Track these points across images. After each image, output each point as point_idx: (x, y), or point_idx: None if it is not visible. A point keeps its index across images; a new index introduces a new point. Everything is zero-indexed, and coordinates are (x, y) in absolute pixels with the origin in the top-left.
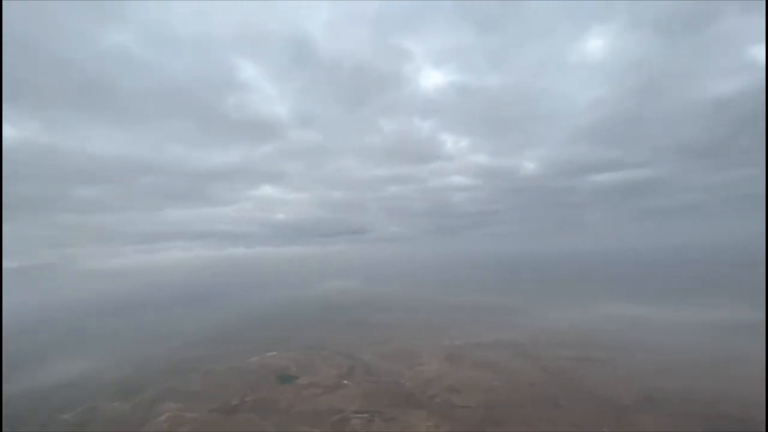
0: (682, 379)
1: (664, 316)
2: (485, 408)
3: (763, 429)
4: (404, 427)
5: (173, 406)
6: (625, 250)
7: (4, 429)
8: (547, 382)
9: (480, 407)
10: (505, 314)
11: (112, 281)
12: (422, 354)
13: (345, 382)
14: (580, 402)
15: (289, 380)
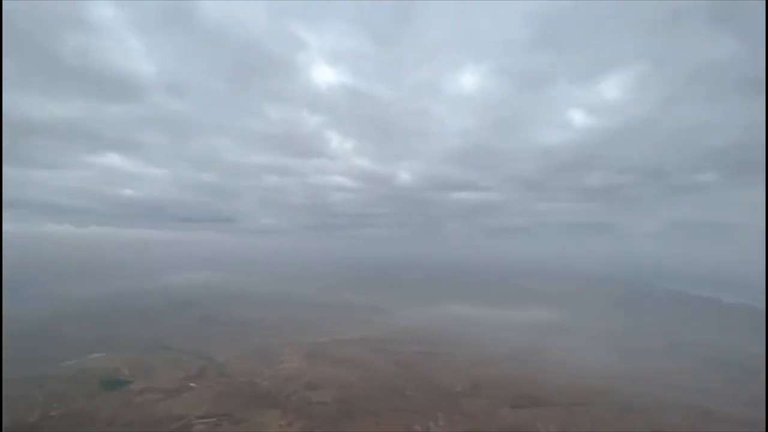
0: (500, 368)
1: (494, 316)
2: (340, 403)
3: None
4: (255, 428)
5: None
6: (472, 259)
7: None
8: (397, 375)
9: (335, 402)
10: (367, 312)
11: None
12: (283, 352)
13: (191, 384)
14: (422, 391)
15: (117, 386)
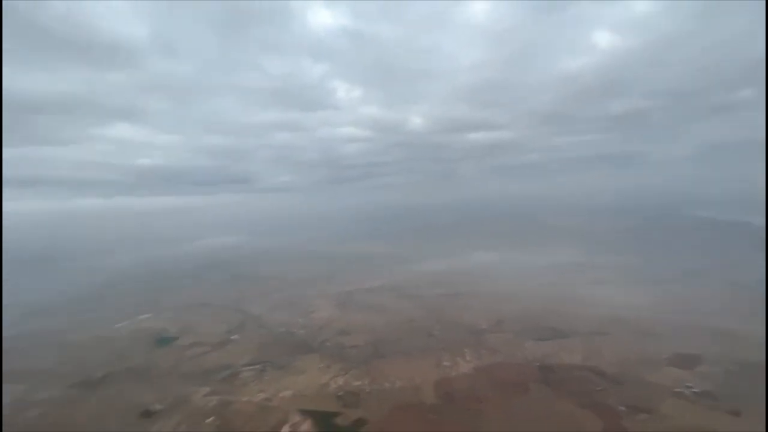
0: (522, 305)
1: (513, 256)
2: (372, 345)
3: None
4: (297, 371)
5: (14, 389)
6: (489, 201)
7: None
8: (424, 317)
9: (367, 345)
10: (389, 261)
11: None
12: (313, 303)
13: (234, 337)
14: (449, 330)
15: (167, 342)
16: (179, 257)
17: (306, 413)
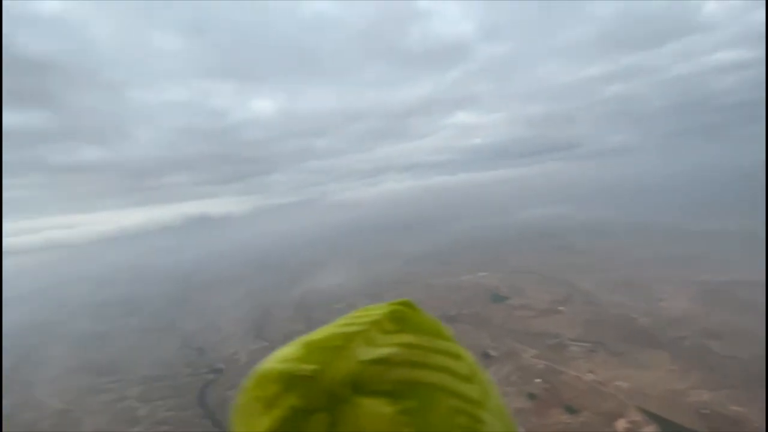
0: None
1: None
2: (758, 362)
3: None
4: (636, 363)
5: None
6: None
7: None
8: None
9: (754, 360)
10: None
11: (350, 209)
12: (663, 289)
13: (560, 308)
14: None
15: (500, 300)
16: (508, 225)
17: (650, 416)
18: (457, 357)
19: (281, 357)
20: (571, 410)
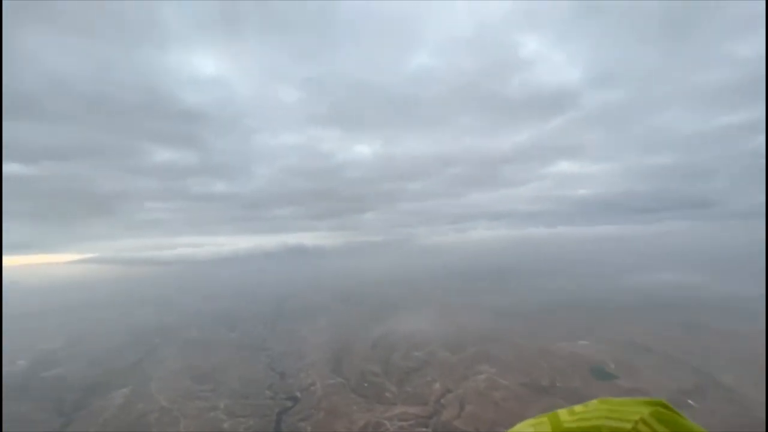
0: None
1: None
2: None
3: None
4: None
5: (489, 369)
6: None
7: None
8: None
9: None
10: None
11: (437, 254)
12: None
13: (689, 401)
14: None
15: (606, 377)
16: (617, 289)
17: None
18: None
19: None
20: None
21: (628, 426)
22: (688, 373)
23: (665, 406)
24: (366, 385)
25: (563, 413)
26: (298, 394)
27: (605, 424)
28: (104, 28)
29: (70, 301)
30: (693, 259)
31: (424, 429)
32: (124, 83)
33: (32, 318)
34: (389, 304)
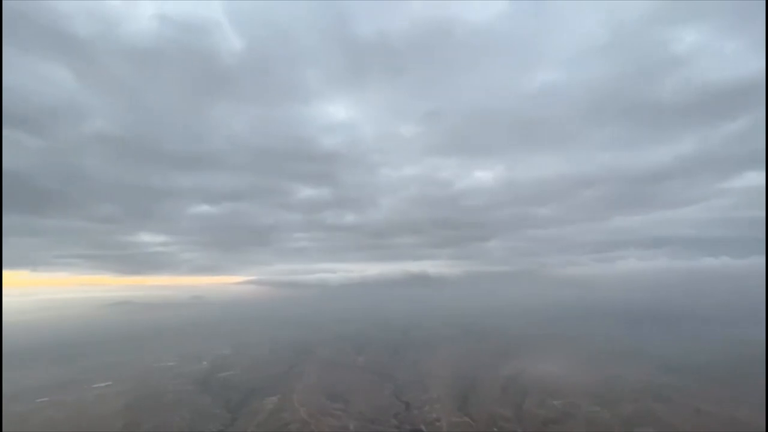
0: None
1: None
2: None
3: None
4: None
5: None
6: None
7: None
8: None
9: None
10: None
11: (575, 286)
12: None
13: None
14: None
15: None
16: None
17: None
18: None
19: None
20: None
21: None
22: None
23: None
24: (496, 430)
25: None
26: (423, 428)
27: None
28: (268, 93)
29: (236, 315)
30: None
31: None
32: (279, 135)
33: (211, 327)
34: (517, 341)
